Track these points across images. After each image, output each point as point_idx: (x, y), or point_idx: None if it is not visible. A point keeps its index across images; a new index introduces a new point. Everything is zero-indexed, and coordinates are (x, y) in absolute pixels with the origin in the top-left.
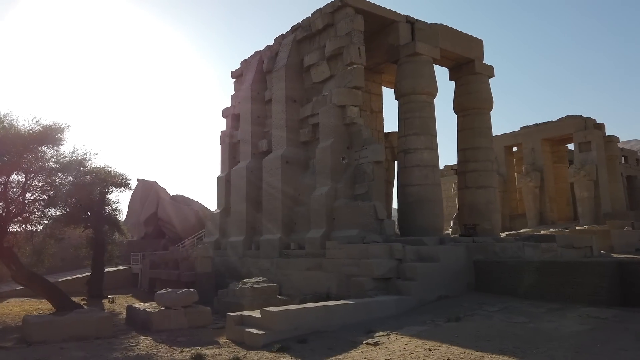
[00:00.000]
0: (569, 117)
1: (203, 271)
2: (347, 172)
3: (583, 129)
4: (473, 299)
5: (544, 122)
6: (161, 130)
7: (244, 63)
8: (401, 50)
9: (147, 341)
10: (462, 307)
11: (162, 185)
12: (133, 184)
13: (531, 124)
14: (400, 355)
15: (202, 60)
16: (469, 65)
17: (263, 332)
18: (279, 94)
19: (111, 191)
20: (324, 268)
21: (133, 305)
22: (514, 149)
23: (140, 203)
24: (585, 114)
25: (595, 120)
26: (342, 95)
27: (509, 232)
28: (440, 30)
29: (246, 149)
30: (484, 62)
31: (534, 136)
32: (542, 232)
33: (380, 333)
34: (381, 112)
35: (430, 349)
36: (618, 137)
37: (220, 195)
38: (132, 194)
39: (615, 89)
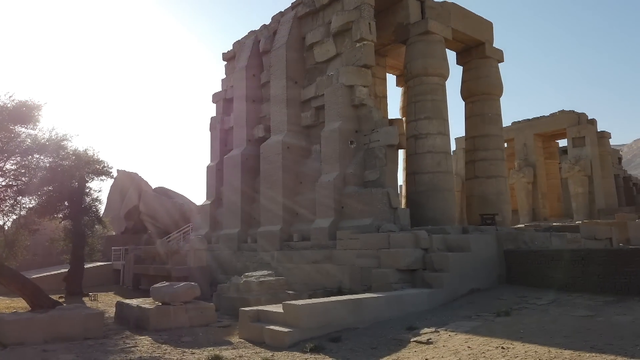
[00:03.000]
0: (562, 112)
1: (197, 265)
2: (357, 157)
3: (576, 124)
4: (509, 291)
5: (536, 117)
6: (142, 120)
7: (237, 44)
8: (411, 29)
9: (147, 342)
10: (502, 301)
11: (144, 178)
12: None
13: (523, 119)
14: (469, 355)
15: (189, 41)
16: (478, 49)
17: (288, 330)
18: (279, 74)
19: (92, 179)
20: (334, 260)
21: (124, 301)
22: (505, 144)
23: (120, 196)
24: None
25: (587, 116)
26: (350, 74)
27: (518, 226)
28: (452, 9)
29: (240, 136)
30: (494, 45)
31: (527, 131)
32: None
33: (426, 330)
34: (385, 97)
35: (503, 348)
36: (610, 133)
37: (211, 186)
38: (112, 186)
39: (599, 90)
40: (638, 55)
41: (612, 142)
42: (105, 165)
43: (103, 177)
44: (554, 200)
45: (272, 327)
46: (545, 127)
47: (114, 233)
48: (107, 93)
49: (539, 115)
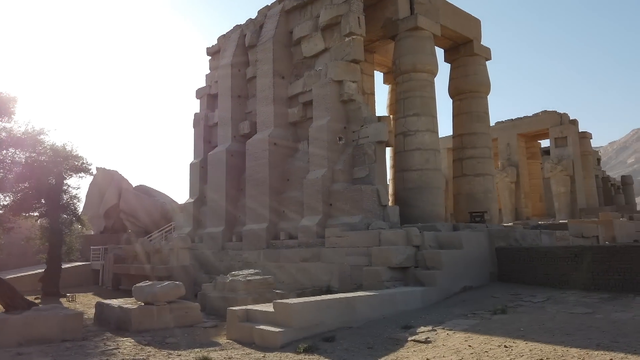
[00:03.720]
0: (545, 112)
1: (181, 264)
2: (345, 153)
3: (559, 124)
4: (502, 289)
5: (519, 118)
6: (123, 116)
7: (222, 39)
8: (400, 25)
9: (129, 343)
10: (496, 299)
11: (124, 176)
12: (93, 171)
13: (503, 119)
14: (472, 354)
15: (172, 36)
16: (466, 46)
17: (280, 330)
18: (266, 69)
19: (70, 176)
20: (323, 258)
21: (104, 301)
22: None
23: (99, 194)
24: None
25: (569, 116)
26: (339, 68)
27: (507, 224)
28: (440, 6)
29: (225, 132)
30: (481, 43)
31: (510, 131)
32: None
33: (423, 328)
34: (373, 94)
35: (506, 346)
36: (591, 134)
37: (194, 183)
38: (91, 184)
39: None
40: (615, 60)
41: None
42: (84, 161)
43: (82, 174)
44: (536, 200)
45: (262, 327)
46: (528, 127)
47: (92, 232)
48: (86, 88)
49: (521, 116)
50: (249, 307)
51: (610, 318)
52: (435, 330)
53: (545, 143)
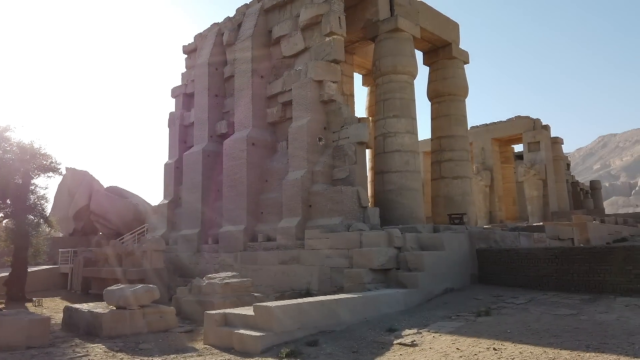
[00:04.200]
0: (518, 117)
1: (154, 267)
2: (325, 154)
3: (532, 129)
4: (483, 291)
5: (493, 122)
6: (95, 116)
7: (199, 37)
8: (380, 26)
9: (99, 350)
10: (478, 300)
11: (96, 177)
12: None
13: (477, 123)
14: (461, 357)
15: (148, 33)
16: (445, 49)
17: (261, 334)
18: (244, 67)
19: (38, 175)
20: (302, 261)
21: (73, 306)
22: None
23: (69, 195)
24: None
25: (541, 122)
26: (319, 68)
27: (485, 226)
28: (420, 8)
29: (201, 132)
30: (460, 47)
31: (484, 136)
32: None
33: (408, 331)
34: (353, 95)
35: (495, 349)
36: (562, 139)
37: (169, 184)
38: (60, 185)
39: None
40: (582, 70)
41: None
42: (53, 160)
43: (50, 174)
44: (509, 203)
45: (242, 331)
46: (502, 132)
47: (61, 235)
48: (56, 85)
49: (494, 121)
50: (228, 310)
51: (595, 319)
52: (421, 332)
53: (518, 148)
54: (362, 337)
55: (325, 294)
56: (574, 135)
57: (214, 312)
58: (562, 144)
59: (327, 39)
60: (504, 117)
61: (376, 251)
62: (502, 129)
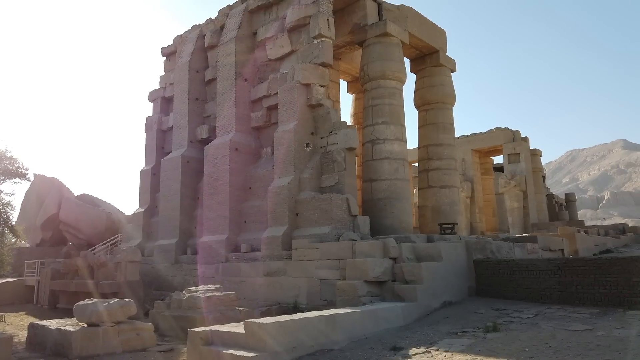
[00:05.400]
0: (499, 129)
1: (129, 279)
2: (313, 160)
3: (512, 140)
4: (484, 304)
5: (474, 134)
6: (64, 121)
7: (179, 39)
8: (369, 30)
9: None
10: (480, 315)
11: (66, 184)
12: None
13: (461, 135)
14: None
15: (124, 34)
16: (432, 56)
17: (253, 355)
18: (227, 70)
19: (3, 181)
20: (289, 273)
21: (39, 322)
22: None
23: (37, 203)
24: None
25: (521, 133)
26: (307, 71)
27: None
28: (409, 14)
29: (181, 137)
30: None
31: (465, 147)
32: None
33: (415, 350)
34: (338, 101)
35: None
36: (541, 151)
37: (145, 192)
38: (27, 192)
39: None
40: (553, 85)
41: None
42: (20, 165)
43: (17, 180)
44: (489, 215)
45: (231, 351)
46: (482, 143)
47: (27, 245)
48: (23, 88)
49: (474, 132)
50: (214, 328)
51: (614, 335)
52: (430, 352)
53: (497, 159)
54: (365, 356)
55: (315, 308)
56: (544, 150)
57: (198, 329)
58: (541, 156)
59: (315, 41)
60: (474, 129)
61: (371, 262)
62: (482, 140)
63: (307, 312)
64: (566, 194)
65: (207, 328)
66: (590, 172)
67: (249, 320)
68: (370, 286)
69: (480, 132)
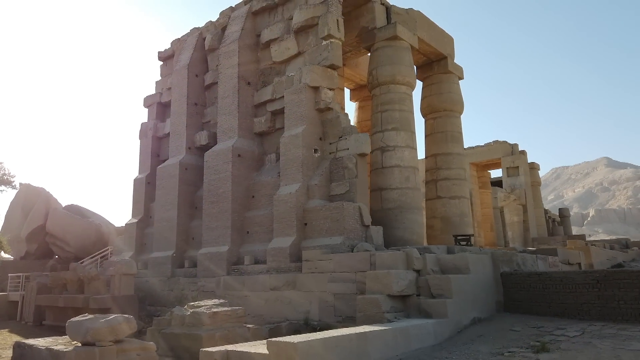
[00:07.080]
0: (497, 142)
1: (123, 294)
2: (321, 167)
3: (510, 154)
4: (516, 321)
5: (471, 147)
6: (53, 127)
7: (177, 42)
8: (378, 34)
9: None
10: (517, 333)
11: (54, 194)
12: (16, 186)
13: None
14: None
15: (117, 38)
16: (440, 63)
17: None
18: (230, 73)
19: None
20: (299, 286)
21: (26, 341)
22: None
23: (22, 213)
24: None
25: (519, 146)
26: (315, 74)
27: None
28: (417, 18)
29: (178, 143)
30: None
31: None
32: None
33: None
34: (343, 108)
35: None
36: (539, 165)
37: (138, 201)
38: (12, 202)
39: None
40: (539, 103)
41: None
42: (6, 172)
43: (2, 187)
44: (487, 229)
45: None
46: (480, 157)
47: (11, 257)
48: (11, 95)
49: (473, 145)
50: (230, 347)
51: None
52: None
53: (494, 173)
54: None
55: (328, 325)
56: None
57: (212, 349)
58: (539, 169)
59: (324, 42)
60: (466, 143)
61: (395, 274)
62: (480, 153)
63: (334, 330)
64: (560, 210)
65: (222, 348)
66: (575, 189)
67: (274, 339)
68: (394, 301)
69: (479, 145)
